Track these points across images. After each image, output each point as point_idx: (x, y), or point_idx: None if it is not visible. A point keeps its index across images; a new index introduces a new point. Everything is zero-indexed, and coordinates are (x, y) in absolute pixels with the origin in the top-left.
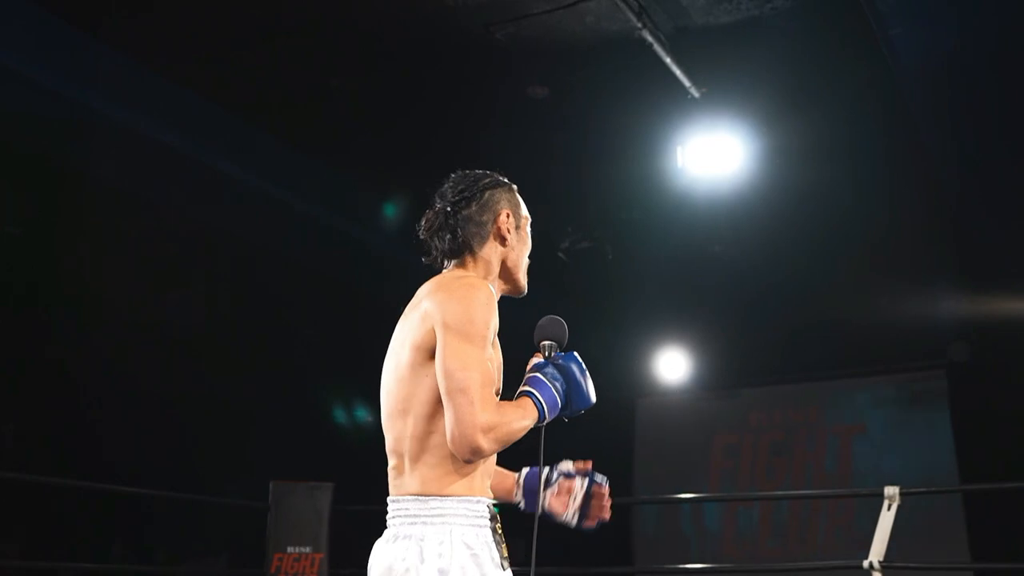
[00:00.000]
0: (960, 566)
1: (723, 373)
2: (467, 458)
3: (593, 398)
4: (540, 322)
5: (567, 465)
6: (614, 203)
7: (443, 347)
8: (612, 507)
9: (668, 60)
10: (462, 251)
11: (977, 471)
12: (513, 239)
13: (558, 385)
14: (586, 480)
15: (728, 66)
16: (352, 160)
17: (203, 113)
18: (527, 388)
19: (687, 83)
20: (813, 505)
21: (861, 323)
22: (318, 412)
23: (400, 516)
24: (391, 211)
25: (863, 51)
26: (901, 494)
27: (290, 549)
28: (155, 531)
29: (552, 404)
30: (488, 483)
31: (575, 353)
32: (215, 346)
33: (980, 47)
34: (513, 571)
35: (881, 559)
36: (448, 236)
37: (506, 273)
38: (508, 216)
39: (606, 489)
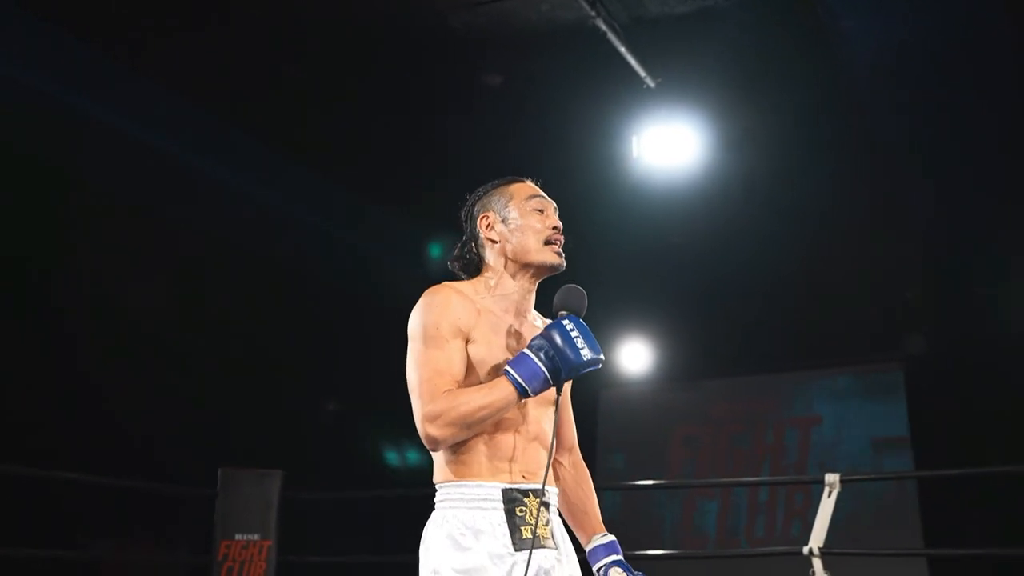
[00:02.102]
0: (901, 552)
1: (685, 364)
2: (430, 447)
3: (585, 356)
4: (558, 292)
5: None
6: (570, 192)
7: (408, 355)
8: None
9: (623, 50)
10: (476, 267)
11: (932, 462)
12: (503, 232)
13: (542, 354)
14: None
15: (683, 56)
16: (304, 147)
17: (145, 94)
18: (506, 365)
19: (642, 73)
20: (772, 497)
21: (819, 315)
22: (268, 399)
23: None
24: (436, 252)
25: (814, 43)
26: (841, 481)
27: (238, 536)
28: (100, 518)
29: (531, 375)
30: (505, 468)
31: (566, 317)
32: (165, 334)
33: (929, 39)
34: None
35: (821, 545)
36: (460, 258)
37: (519, 262)
38: (486, 218)
39: None
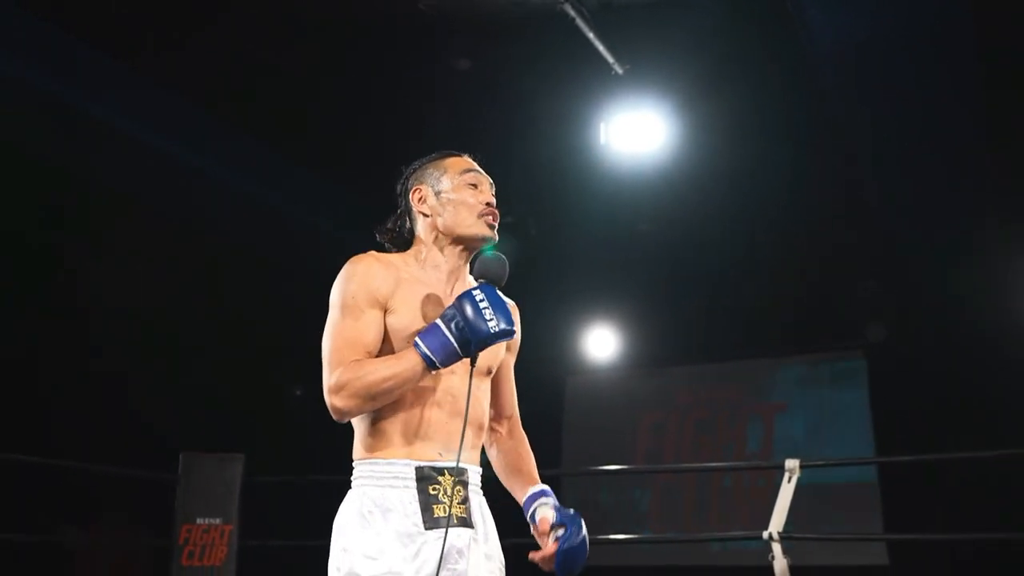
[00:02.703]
0: (859, 536)
1: (651, 351)
2: (336, 418)
3: (492, 327)
4: (478, 260)
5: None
6: (538, 179)
7: None
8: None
9: (591, 36)
10: (408, 241)
11: (893, 448)
12: (435, 206)
13: (452, 325)
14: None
15: (651, 43)
16: (274, 132)
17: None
18: (416, 336)
19: (610, 59)
20: (736, 483)
21: (783, 303)
22: (230, 383)
23: None
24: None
25: (781, 32)
26: (801, 466)
27: (199, 520)
28: (62, 502)
29: (440, 346)
30: (423, 445)
31: (478, 287)
32: (126, 317)
33: (895, 32)
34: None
35: (780, 530)
36: (392, 230)
37: (449, 235)
38: (419, 191)
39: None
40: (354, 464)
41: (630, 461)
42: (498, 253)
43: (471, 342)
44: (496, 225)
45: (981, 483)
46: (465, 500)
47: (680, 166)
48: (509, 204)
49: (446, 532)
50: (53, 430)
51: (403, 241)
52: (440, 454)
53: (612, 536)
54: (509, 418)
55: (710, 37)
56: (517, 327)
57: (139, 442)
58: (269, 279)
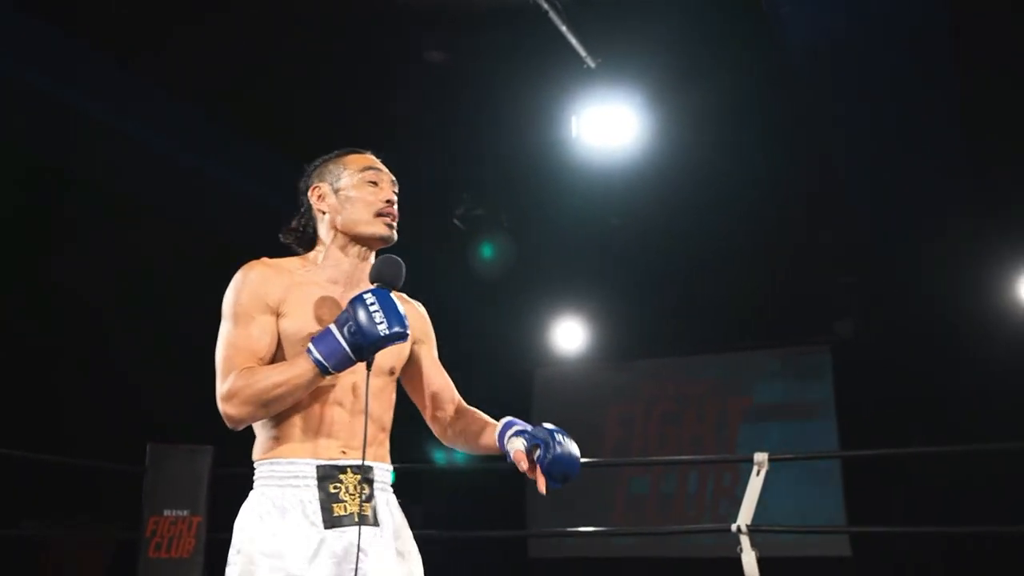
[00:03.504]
0: (826, 529)
1: (619, 344)
2: (230, 426)
3: (383, 331)
4: (374, 262)
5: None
6: (510, 171)
7: None
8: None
9: (564, 29)
10: (311, 240)
11: (857, 441)
12: (333, 204)
13: (345, 329)
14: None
15: (623, 37)
16: (247, 124)
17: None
18: (309, 340)
19: (583, 53)
20: (701, 476)
21: (751, 298)
22: (199, 374)
23: None
24: (488, 252)
25: (754, 27)
26: (770, 460)
27: (167, 512)
28: (26, 495)
29: (331, 351)
30: (324, 444)
31: (371, 291)
32: (93, 307)
33: (870, 25)
34: (414, 533)
35: (749, 523)
36: (294, 230)
37: (348, 234)
38: (317, 189)
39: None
40: (255, 465)
41: (598, 453)
42: (394, 255)
43: (363, 346)
44: (395, 225)
45: (943, 477)
46: (370, 498)
47: (651, 160)
48: (481, 197)
49: (359, 530)
50: (16, 421)
51: (308, 240)
52: (343, 452)
53: (581, 528)
54: (453, 402)
55: (683, 31)
56: (428, 324)
57: (106, 433)
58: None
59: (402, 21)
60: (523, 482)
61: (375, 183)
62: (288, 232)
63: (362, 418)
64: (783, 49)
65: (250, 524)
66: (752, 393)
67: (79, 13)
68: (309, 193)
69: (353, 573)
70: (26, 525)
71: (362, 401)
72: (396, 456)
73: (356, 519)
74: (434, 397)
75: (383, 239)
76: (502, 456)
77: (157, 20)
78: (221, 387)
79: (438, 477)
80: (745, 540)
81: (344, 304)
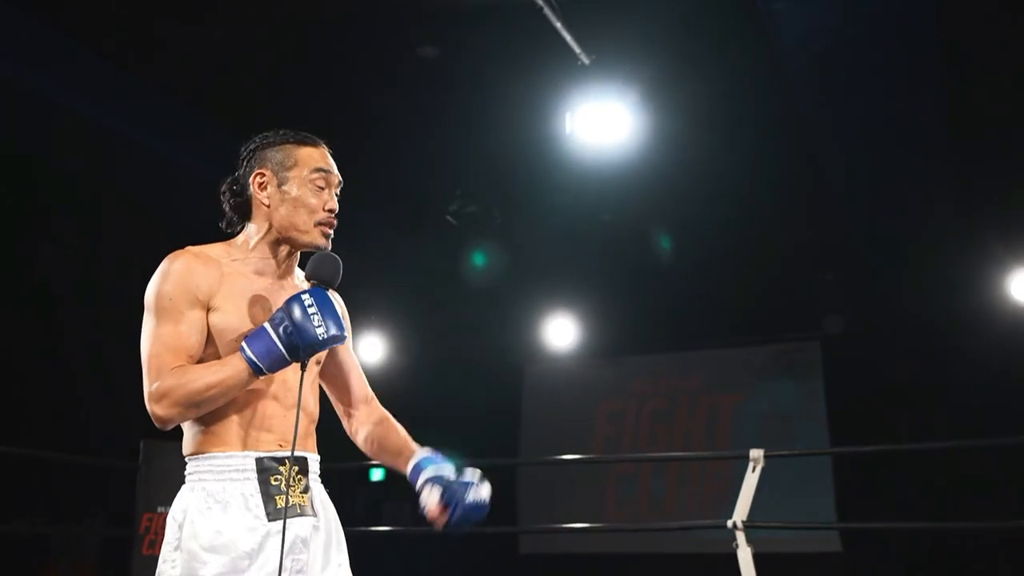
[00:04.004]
0: (816, 525)
1: (610, 341)
2: (159, 426)
3: (321, 334)
4: (310, 260)
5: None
6: (503, 168)
7: None
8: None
9: (558, 25)
10: (238, 219)
11: (847, 437)
12: (273, 198)
13: (280, 329)
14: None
15: (618, 34)
16: (235, 119)
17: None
18: (243, 340)
19: (577, 49)
20: (692, 472)
21: (742, 294)
22: None
23: None
24: (480, 260)
25: (747, 24)
26: (765, 456)
27: (160, 509)
28: (17, 492)
29: (266, 351)
30: (262, 437)
31: (308, 291)
32: (86, 302)
33: (863, 25)
34: (393, 530)
35: (744, 519)
36: (227, 206)
37: (279, 233)
38: (262, 175)
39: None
40: (187, 460)
41: (588, 450)
42: (331, 253)
43: (299, 348)
44: (332, 234)
45: (933, 473)
46: (307, 489)
47: (644, 157)
48: (474, 193)
49: (284, 523)
50: (7, 417)
51: (244, 210)
52: (279, 445)
53: (573, 525)
54: (367, 402)
55: (677, 28)
56: (346, 322)
57: (99, 430)
58: None
59: (395, 16)
60: (514, 478)
61: (322, 187)
62: (227, 199)
63: (290, 412)
64: (776, 47)
65: (191, 520)
66: (743, 389)
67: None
68: (251, 177)
69: (298, 564)
70: (18, 522)
71: (295, 395)
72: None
73: (298, 510)
74: (352, 395)
75: (317, 248)
76: (493, 453)
77: (140, 9)
78: (150, 387)
79: None
80: (741, 536)
81: (273, 299)
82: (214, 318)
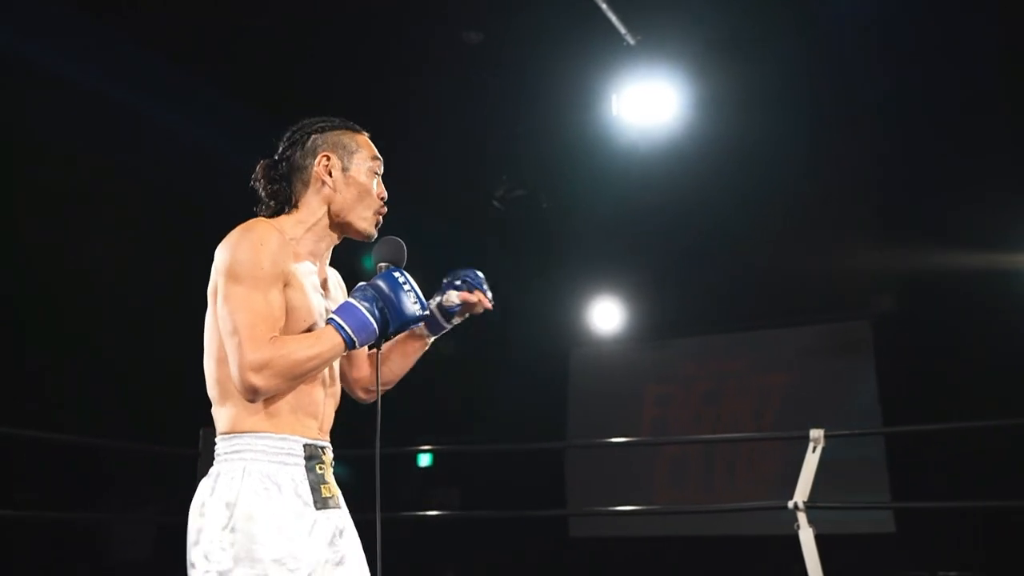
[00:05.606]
0: (878, 505)
1: (656, 324)
2: (248, 398)
3: (413, 312)
4: (376, 244)
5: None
6: (549, 151)
7: (220, 293)
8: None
9: (604, 6)
10: (285, 199)
11: (899, 417)
12: (338, 182)
13: (372, 305)
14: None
15: (663, 14)
16: (284, 108)
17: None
18: (332, 314)
19: (623, 30)
20: (743, 453)
21: (791, 274)
22: None
23: (215, 455)
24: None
25: (796, 2)
26: (826, 436)
27: None
28: (81, 478)
29: (360, 326)
30: (308, 422)
31: (395, 269)
32: (145, 292)
33: (912, 3)
34: (441, 514)
35: (805, 499)
36: (271, 186)
37: (336, 218)
38: (328, 158)
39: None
40: (230, 436)
41: (635, 433)
42: (395, 236)
43: (390, 324)
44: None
45: (986, 451)
46: (333, 479)
47: (691, 138)
48: (522, 177)
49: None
50: (69, 407)
51: (283, 198)
52: (319, 431)
53: (623, 508)
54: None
55: (723, 7)
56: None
57: (159, 417)
58: None
59: (440, 1)
60: (562, 461)
61: (378, 175)
62: (266, 184)
63: (332, 399)
64: (825, 22)
65: (246, 500)
66: (793, 369)
67: None
68: (318, 158)
69: (337, 556)
70: (79, 508)
71: (336, 382)
72: (435, 440)
73: (337, 502)
74: (358, 366)
75: (368, 237)
76: (541, 437)
77: None
78: (248, 356)
79: (475, 459)
80: (802, 517)
81: (322, 279)
82: (291, 294)
